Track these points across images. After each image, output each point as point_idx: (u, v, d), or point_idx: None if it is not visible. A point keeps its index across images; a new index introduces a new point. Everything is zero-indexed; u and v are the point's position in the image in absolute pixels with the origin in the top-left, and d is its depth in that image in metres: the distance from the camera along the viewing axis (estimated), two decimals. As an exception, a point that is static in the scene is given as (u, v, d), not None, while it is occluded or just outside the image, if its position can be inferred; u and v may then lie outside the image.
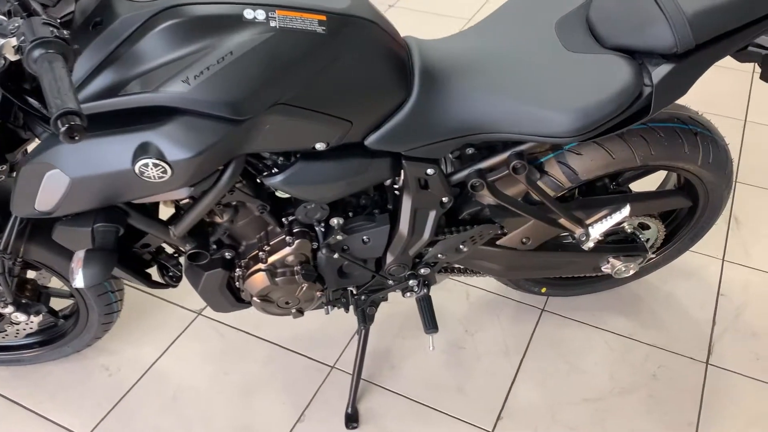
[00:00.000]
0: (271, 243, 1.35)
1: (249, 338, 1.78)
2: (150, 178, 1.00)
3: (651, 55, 1.18)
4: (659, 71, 1.16)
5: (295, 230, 1.33)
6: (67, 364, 1.72)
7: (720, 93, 2.57)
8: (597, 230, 1.40)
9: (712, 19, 1.12)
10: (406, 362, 1.72)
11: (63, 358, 1.70)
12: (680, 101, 1.47)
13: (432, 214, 1.35)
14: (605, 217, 1.41)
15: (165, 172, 1.00)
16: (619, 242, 1.64)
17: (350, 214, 1.38)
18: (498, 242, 1.48)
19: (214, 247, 1.36)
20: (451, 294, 1.88)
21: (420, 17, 3.18)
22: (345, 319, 1.79)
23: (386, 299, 1.56)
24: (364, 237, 1.36)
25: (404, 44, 1.19)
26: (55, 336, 1.65)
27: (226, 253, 1.36)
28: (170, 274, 1.38)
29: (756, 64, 1.30)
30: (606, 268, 1.61)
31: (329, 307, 1.54)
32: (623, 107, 1.16)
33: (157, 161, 0.98)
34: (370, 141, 1.17)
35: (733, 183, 1.58)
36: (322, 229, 1.35)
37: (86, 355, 1.74)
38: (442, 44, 1.27)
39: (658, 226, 1.62)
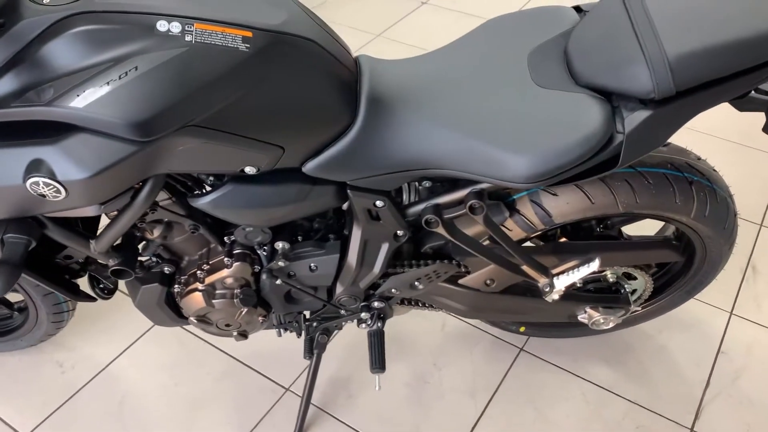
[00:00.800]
0: (210, 262, 1.27)
1: (208, 348, 1.71)
2: (45, 196, 0.93)
3: (628, 98, 1.04)
4: (634, 118, 1.02)
5: (234, 252, 1.25)
6: (23, 356, 1.69)
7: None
8: (563, 282, 1.26)
9: (698, 65, 0.97)
10: (364, 393, 1.62)
11: (17, 350, 1.68)
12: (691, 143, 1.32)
13: (384, 247, 1.25)
14: (573, 268, 1.27)
15: (58, 191, 0.92)
16: (601, 291, 1.50)
17: (299, 238, 1.28)
18: (460, 281, 1.36)
19: (153, 260, 1.29)
20: (425, 322, 1.77)
21: (451, 16, 3.05)
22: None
23: (340, 328, 1.47)
24: (312, 264, 1.27)
25: (351, 65, 1.08)
26: (8, 328, 1.62)
27: (166, 268, 1.29)
28: (101, 286, 1.32)
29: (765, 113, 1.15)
30: (583, 318, 1.47)
31: (281, 329, 1.46)
32: (588, 155, 1.03)
33: (49, 180, 0.90)
34: (308, 168, 1.07)
35: (735, 238, 1.42)
36: (265, 253, 1.26)
37: (43, 349, 1.70)
38: (400, 67, 1.16)
39: (645, 279, 1.47)
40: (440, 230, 1.17)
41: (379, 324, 1.40)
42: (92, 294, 1.32)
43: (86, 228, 1.22)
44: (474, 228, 1.27)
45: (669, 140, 1.32)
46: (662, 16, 1.01)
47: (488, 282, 1.35)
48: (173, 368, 1.67)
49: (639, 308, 1.57)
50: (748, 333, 1.74)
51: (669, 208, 1.28)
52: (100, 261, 1.24)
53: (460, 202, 1.17)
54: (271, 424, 1.56)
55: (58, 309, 1.50)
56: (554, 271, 1.28)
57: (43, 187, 0.91)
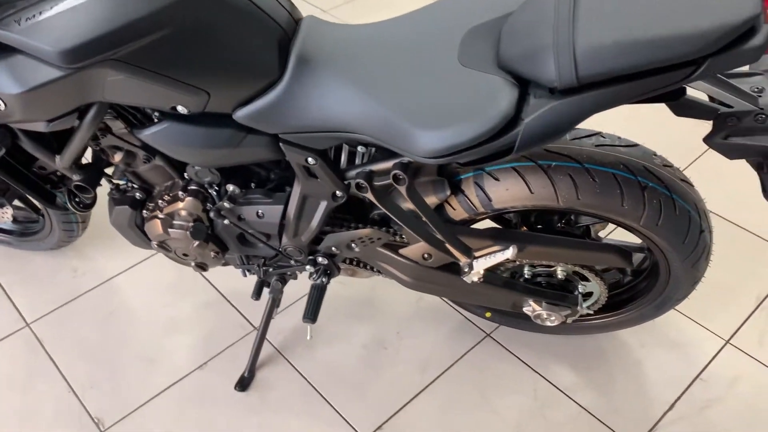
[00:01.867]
0: (171, 194, 1.38)
1: (200, 280, 1.85)
2: None
3: (539, 86, 1.01)
4: (535, 106, 0.99)
5: (189, 187, 1.35)
6: (48, 257, 1.92)
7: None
8: (481, 264, 1.25)
9: (604, 58, 0.92)
10: (323, 346, 1.69)
11: (40, 251, 1.90)
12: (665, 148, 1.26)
13: (323, 205, 1.30)
14: (493, 253, 1.26)
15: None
16: (552, 286, 1.46)
17: (252, 185, 1.37)
18: (400, 251, 1.39)
19: (128, 185, 1.42)
20: (401, 293, 1.80)
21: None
22: (291, 286, 1.79)
23: (295, 277, 1.54)
24: (259, 211, 1.35)
25: (286, 22, 1.13)
26: (32, 231, 1.84)
27: (137, 194, 1.42)
28: (77, 200, 1.47)
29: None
30: (527, 310, 1.44)
31: (245, 270, 1.56)
32: (483, 137, 1.01)
33: None
34: (238, 116, 1.15)
35: (701, 257, 1.31)
36: (215, 193, 1.35)
37: (66, 254, 1.92)
38: (343, 31, 1.19)
39: (597, 283, 1.41)
40: (369, 196, 1.20)
41: (324, 279, 1.45)
42: (69, 206, 1.47)
43: (59, 144, 1.37)
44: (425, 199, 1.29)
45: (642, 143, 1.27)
46: (590, 7, 0.97)
47: (426, 256, 1.37)
48: (164, 292, 1.82)
49: (592, 313, 1.51)
50: (737, 366, 1.62)
51: (614, 211, 1.23)
52: (66, 175, 1.39)
53: (387, 172, 1.20)
54: (231, 356, 1.67)
55: (67, 219, 1.69)
56: (477, 254, 1.27)
57: None
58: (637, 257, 1.51)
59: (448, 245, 1.26)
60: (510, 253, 1.23)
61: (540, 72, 0.98)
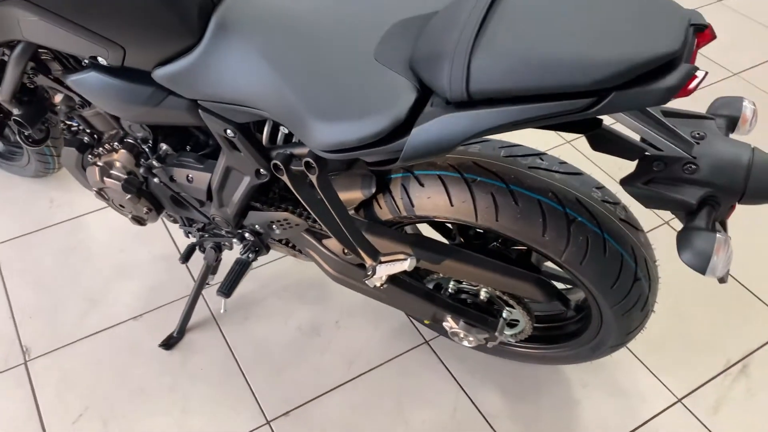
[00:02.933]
0: (110, 144, 1.38)
1: (162, 232, 1.86)
2: None
3: (438, 95, 0.93)
4: (428, 115, 0.91)
5: (125, 140, 1.34)
6: (32, 184, 1.97)
7: None
8: (383, 270, 1.19)
9: (497, 74, 0.84)
10: (259, 321, 1.67)
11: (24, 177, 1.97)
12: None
13: (245, 180, 1.26)
14: (396, 261, 1.19)
15: None
16: (477, 306, 1.38)
17: (188, 147, 1.34)
18: (323, 241, 1.34)
19: (79, 128, 1.43)
20: (353, 281, 1.75)
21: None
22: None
23: (230, 248, 1.52)
24: (189, 175, 1.32)
25: None
26: (13, 157, 1.90)
27: (86, 138, 1.43)
28: (26, 134, 1.49)
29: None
30: (446, 324, 1.36)
31: (186, 232, 1.55)
32: (371, 139, 0.95)
33: None
34: (156, 75, 1.12)
35: (636, 306, 1.19)
36: (147, 150, 1.34)
37: (48, 184, 1.98)
38: (273, 3, 1.13)
39: (521, 312, 1.32)
40: (285, 179, 1.16)
41: (250, 255, 1.42)
42: (18, 139, 1.50)
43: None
44: (349, 193, 1.24)
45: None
46: (502, 18, 0.88)
47: (345, 251, 1.31)
48: (127, 237, 1.85)
49: (512, 340, 1.42)
50: (682, 429, 1.49)
51: (534, 240, 1.13)
52: (7, 109, 1.41)
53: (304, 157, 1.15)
54: (166, 312, 1.68)
55: (41, 152, 1.73)
56: (383, 258, 1.20)
57: None
58: (580, 294, 1.41)
59: (354, 244, 1.20)
60: (407, 264, 1.16)
61: (435, 80, 0.90)
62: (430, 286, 1.42)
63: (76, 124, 1.43)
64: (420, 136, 0.91)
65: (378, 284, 1.23)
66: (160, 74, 1.11)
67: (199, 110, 1.16)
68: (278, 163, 1.14)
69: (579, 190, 1.14)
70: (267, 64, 1.04)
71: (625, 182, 0.97)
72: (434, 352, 1.61)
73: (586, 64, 0.80)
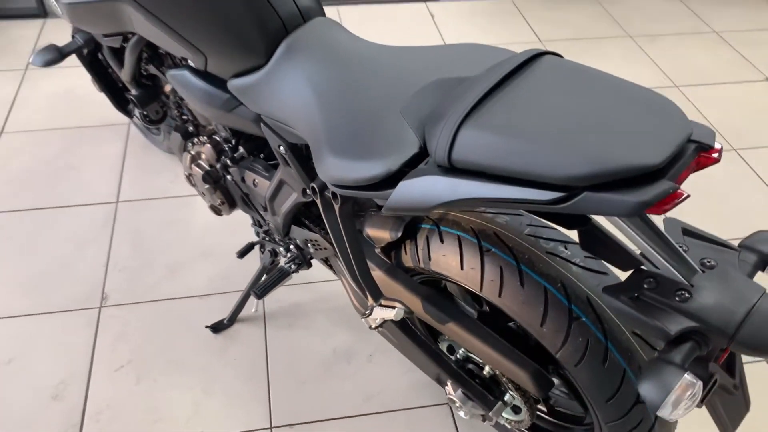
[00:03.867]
0: (203, 136, 1.54)
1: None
2: (57, 9, 1.31)
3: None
4: (418, 172, 0.93)
5: (213, 136, 1.49)
6: (166, 157, 2.23)
7: None
8: (379, 312, 1.19)
9: (477, 148, 0.84)
10: (302, 332, 1.74)
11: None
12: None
13: (293, 196, 1.34)
14: (392, 307, 1.18)
15: (57, 8, 1.29)
16: (482, 380, 1.32)
17: (262, 155, 1.46)
18: (352, 271, 1.37)
19: (186, 116, 1.61)
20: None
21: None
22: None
23: (285, 255, 1.60)
24: (255, 179, 1.44)
25: (288, 15, 1.17)
26: (154, 129, 2.16)
27: (190, 127, 1.60)
28: (144, 112, 1.69)
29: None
30: (446, 389, 1.33)
31: (256, 231, 1.67)
32: (364, 182, 0.98)
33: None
34: (230, 84, 1.24)
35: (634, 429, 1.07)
36: (227, 148, 1.47)
37: (177, 160, 2.22)
38: (336, 40, 1.18)
39: (520, 399, 1.24)
40: (318, 202, 1.22)
41: (292, 266, 1.50)
42: (137, 115, 1.70)
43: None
44: (379, 231, 1.27)
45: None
46: (510, 96, 0.89)
47: (366, 286, 1.34)
48: (221, 226, 2.02)
49: (510, 426, 1.33)
50: None
51: (532, 327, 1.09)
52: (128, 87, 1.61)
53: None
54: (232, 299, 1.81)
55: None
56: (384, 302, 1.21)
57: (53, 4, 1.29)
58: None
59: (360, 279, 1.22)
60: (393, 313, 1.16)
61: (429, 141, 0.92)
62: (443, 346, 1.40)
63: (186, 113, 1.61)
64: (403, 190, 0.93)
65: (373, 325, 1.24)
66: (233, 84, 1.22)
67: (261, 124, 1.26)
68: (315, 186, 1.20)
69: (593, 290, 1.07)
70: (311, 92, 1.11)
71: (608, 291, 0.90)
72: (452, 416, 1.57)
73: (562, 157, 0.78)
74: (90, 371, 1.63)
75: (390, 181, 0.96)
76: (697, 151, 0.79)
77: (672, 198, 0.74)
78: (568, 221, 0.94)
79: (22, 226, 1.98)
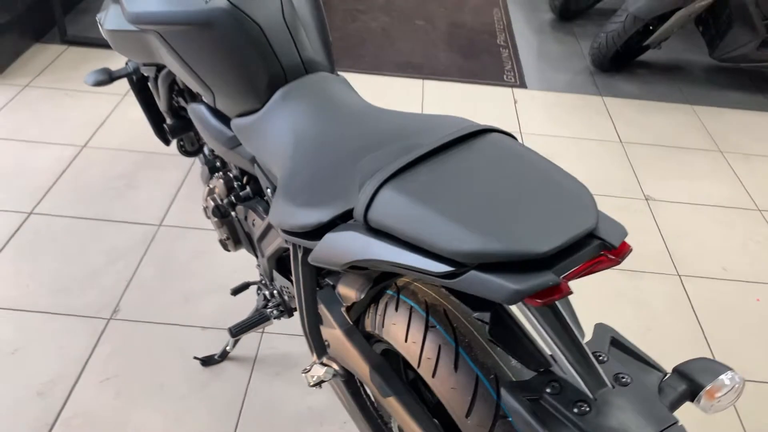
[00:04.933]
0: (220, 172, 1.60)
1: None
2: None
3: None
4: (343, 227, 0.92)
5: (227, 172, 1.55)
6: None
7: None
8: (317, 370, 1.15)
9: (388, 211, 0.84)
10: (286, 383, 1.72)
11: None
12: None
13: (277, 240, 1.36)
14: (329, 366, 1.14)
15: (102, 33, 1.42)
16: None
17: (265, 196, 1.50)
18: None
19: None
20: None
21: None
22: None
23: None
24: (254, 220, 1.47)
25: (291, 65, 1.21)
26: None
27: (217, 162, 1.68)
28: (181, 143, 1.78)
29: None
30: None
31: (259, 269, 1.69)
32: (296, 230, 0.98)
33: (99, 23, 1.40)
34: (233, 123, 1.30)
35: None
36: (236, 185, 1.52)
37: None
38: (329, 96, 1.20)
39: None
40: (290, 248, 1.23)
41: (274, 312, 1.50)
42: (177, 145, 1.80)
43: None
44: (347, 289, 1.26)
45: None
46: (438, 166, 0.88)
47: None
48: (245, 263, 2.06)
49: None
50: None
51: (457, 416, 1.02)
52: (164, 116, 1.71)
53: None
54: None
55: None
56: (325, 360, 1.17)
57: (100, 27, 1.42)
58: None
59: (307, 332, 1.20)
60: (322, 372, 1.12)
61: (358, 196, 0.91)
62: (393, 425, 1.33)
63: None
64: (326, 242, 0.92)
65: (311, 382, 1.20)
66: (234, 124, 1.28)
67: (255, 165, 1.29)
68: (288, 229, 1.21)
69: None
70: (289, 139, 1.14)
71: (509, 388, 0.83)
72: None
73: (457, 232, 0.75)
74: (79, 377, 1.69)
75: (321, 231, 0.95)
76: (600, 249, 0.73)
77: (552, 292, 0.69)
78: (473, 302, 0.89)
79: (70, 231, 2.13)
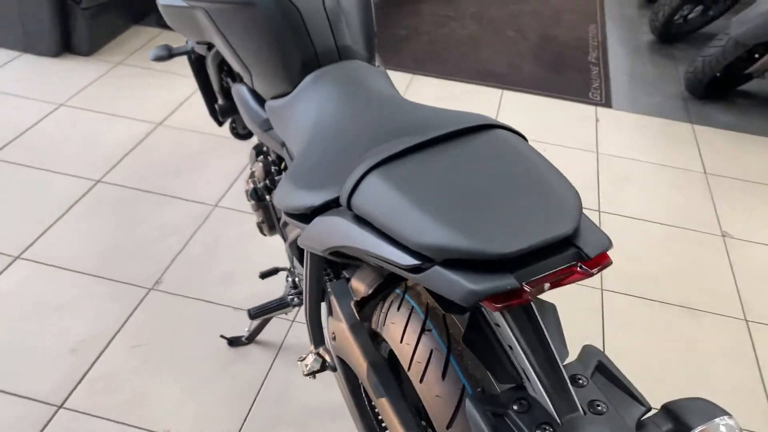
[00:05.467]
0: (262, 155, 1.61)
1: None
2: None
3: None
4: (331, 212, 0.89)
5: (267, 156, 1.55)
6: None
7: None
8: (309, 359, 1.12)
9: (368, 198, 0.81)
10: (306, 381, 1.70)
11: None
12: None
13: (298, 229, 1.35)
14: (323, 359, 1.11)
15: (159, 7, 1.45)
16: None
17: None
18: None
19: None
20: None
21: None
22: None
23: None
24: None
25: (325, 49, 1.20)
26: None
27: (264, 146, 1.69)
28: (233, 125, 1.79)
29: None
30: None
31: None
32: (292, 212, 0.97)
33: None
34: (267, 105, 1.30)
35: None
36: (273, 171, 1.52)
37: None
38: (372, 87, 1.17)
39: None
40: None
41: (294, 299, 1.49)
42: (229, 127, 1.81)
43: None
44: (359, 284, 1.24)
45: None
46: (423, 158, 0.84)
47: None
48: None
49: None
50: None
51: (439, 426, 0.96)
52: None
53: None
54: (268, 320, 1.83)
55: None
56: (321, 351, 1.14)
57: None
58: None
59: (308, 320, 1.17)
60: (311, 359, 1.09)
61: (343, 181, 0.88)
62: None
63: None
64: (313, 226, 0.90)
65: (304, 371, 1.18)
66: (268, 106, 1.28)
67: (284, 149, 1.29)
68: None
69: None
70: (310, 122, 1.12)
71: (474, 399, 0.77)
72: None
73: (428, 225, 0.71)
74: (111, 340, 1.74)
75: (314, 215, 0.93)
76: (575, 258, 0.66)
77: (510, 297, 0.63)
78: (446, 304, 0.84)
79: (131, 202, 2.21)
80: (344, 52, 1.22)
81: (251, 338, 1.77)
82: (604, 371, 0.78)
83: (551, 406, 0.72)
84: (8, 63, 2.93)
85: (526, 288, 0.64)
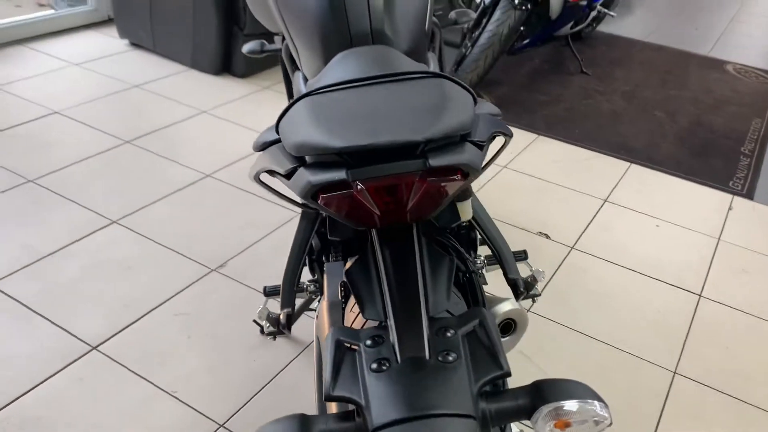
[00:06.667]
0: None
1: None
2: None
3: None
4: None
5: None
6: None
7: None
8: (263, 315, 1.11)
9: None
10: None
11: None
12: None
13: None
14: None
15: None
16: None
17: None
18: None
19: None
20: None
21: None
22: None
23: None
24: None
25: (360, 32, 1.22)
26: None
27: None
28: None
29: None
30: None
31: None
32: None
33: None
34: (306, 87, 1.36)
35: None
36: None
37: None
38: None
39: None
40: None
41: (309, 285, 1.49)
42: None
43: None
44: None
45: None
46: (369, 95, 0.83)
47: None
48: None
49: None
50: None
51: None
52: None
53: None
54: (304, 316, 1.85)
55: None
56: (281, 314, 1.13)
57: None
58: None
59: (283, 280, 1.17)
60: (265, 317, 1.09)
61: None
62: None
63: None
64: (296, 177, 0.92)
65: (265, 330, 1.17)
66: (307, 86, 1.34)
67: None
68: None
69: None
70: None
71: (336, 331, 0.72)
72: None
73: (305, 130, 0.71)
74: (161, 304, 1.86)
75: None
76: (421, 168, 0.62)
77: (340, 187, 0.60)
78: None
79: (228, 197, 2.38)
80: (378, 37, 1.25)
81: (281, 330, 1.78)
82: (483, 331, 0.70)
83: (396, 344, 0.66)
84: (176, 74, 3.33)
85: (359, 185, 0.61)
